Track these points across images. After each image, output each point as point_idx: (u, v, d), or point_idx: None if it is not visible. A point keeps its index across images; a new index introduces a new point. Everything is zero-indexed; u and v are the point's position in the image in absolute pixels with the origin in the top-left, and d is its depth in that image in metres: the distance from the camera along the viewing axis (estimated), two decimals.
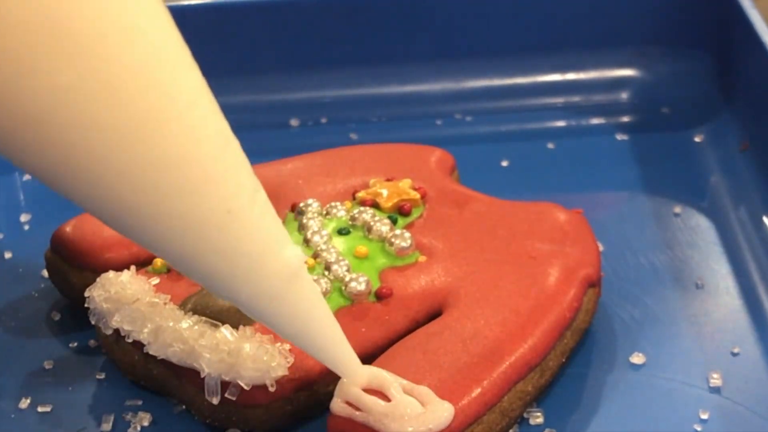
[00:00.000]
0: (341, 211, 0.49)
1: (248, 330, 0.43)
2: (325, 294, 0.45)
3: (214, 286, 0.38)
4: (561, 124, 0.63)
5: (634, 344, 0.47)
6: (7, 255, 0.54)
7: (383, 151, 0.55)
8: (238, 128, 0.62)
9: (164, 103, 0.34)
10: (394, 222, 0.48)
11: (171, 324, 0.44)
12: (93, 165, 0.34)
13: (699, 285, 0.50)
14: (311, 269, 0.46)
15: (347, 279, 0.45)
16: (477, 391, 0.41)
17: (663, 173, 0.59)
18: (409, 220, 0.49)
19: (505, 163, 0.60)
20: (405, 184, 0.51)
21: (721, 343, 0.47)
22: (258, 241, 0.37)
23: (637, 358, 0.46)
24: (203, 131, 0.35)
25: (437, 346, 0.43)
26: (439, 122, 0.64)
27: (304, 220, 0.48)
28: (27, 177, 0.60)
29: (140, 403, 0.45)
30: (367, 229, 0.48)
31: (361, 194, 0.50)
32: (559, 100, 0.64)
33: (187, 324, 0.43)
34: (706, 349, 0.47)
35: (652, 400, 0.44)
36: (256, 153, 0.58)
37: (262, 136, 0.63)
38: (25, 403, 0.45)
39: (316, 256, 0.46)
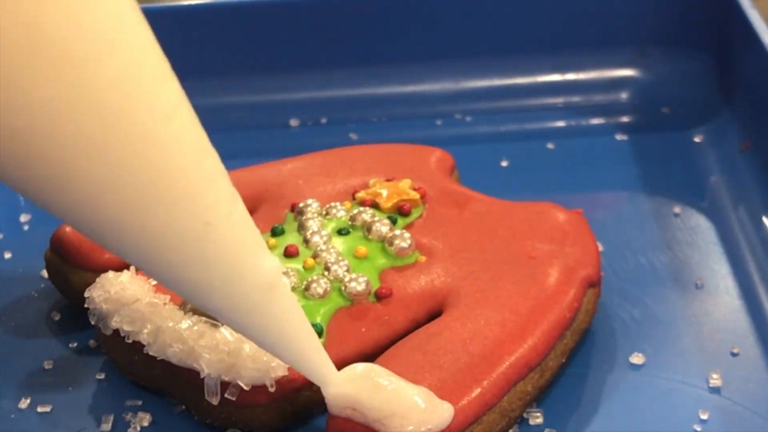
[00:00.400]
0: (341, 212, 0.49)
1: None
2: (324, 294, 0.45)
3: (193, 297, 0.38)
4: (561, 124, 0.63)
5: (634, 344, 0.47)
6: (7, 255, 0.54)
7: (383, 152, 0.55)
8: (238, 128, 0.63)
9: (143, 115, 0.34)
10: (393, 222, 0.48)
11: (171, 324, 0.44)
12: (71, 178, 0.33)
13: (699, 285, 0.50)
14: (310, 269, 0.46)
15: (347, 279, 0.45)
16: (477, 391, 0.41)
17: (663, 173, 0.59)
18: (408, 220, 0.49)
19: (504, 163, 0.60)
20: (405, 184, 0.51)
21: (721, 343, 0.47)
22: (236, 252, 0.37)
23: (636, 358, 0.46)
24: (182, 143, 0.35)
25: (437, 346, 0.43)
26: (439, 122, 0.64)
27: (304, 220, 0.48)
28: None
29: (140, 403, 0.45)
30: (367, 229, 0.48)
31: (360, 194, 0.50)
32: (559, 100, 0.64)
33: (187, 324, 0.43)
34: (706, 349, 0.47)
35: (652, 400, 0.44)
36: (256, 153, 0.59)
37: (262, 136, 0.63)
38: (25, 403, 0.45)
39: (315, 256, 0.46)
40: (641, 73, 0.65)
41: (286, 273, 0.45)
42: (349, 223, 0.48)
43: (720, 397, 0.44)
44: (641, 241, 0.53)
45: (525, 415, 0.43)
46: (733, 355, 0.46)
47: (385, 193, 0.50)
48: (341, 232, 0.48)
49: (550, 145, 0.61)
